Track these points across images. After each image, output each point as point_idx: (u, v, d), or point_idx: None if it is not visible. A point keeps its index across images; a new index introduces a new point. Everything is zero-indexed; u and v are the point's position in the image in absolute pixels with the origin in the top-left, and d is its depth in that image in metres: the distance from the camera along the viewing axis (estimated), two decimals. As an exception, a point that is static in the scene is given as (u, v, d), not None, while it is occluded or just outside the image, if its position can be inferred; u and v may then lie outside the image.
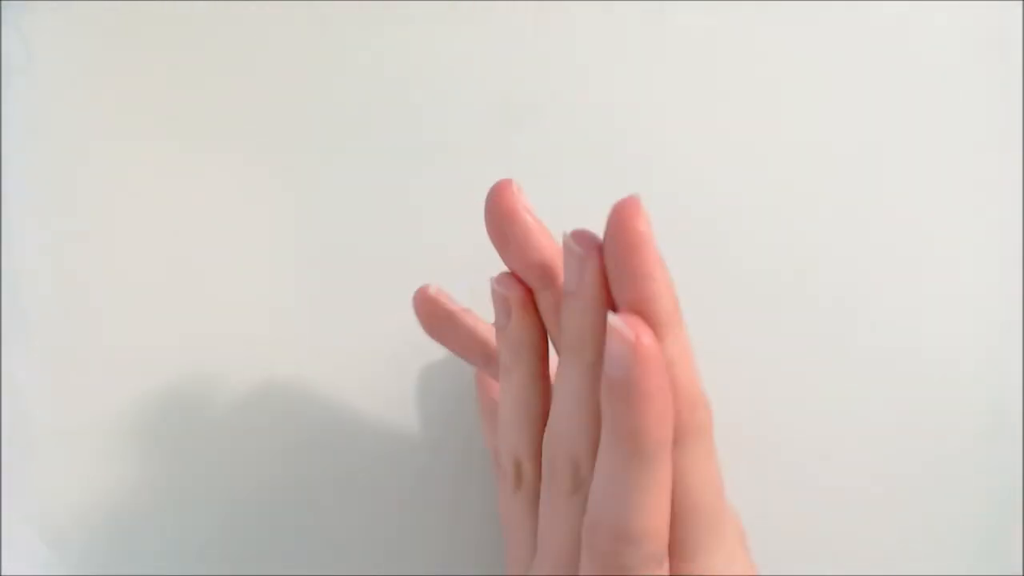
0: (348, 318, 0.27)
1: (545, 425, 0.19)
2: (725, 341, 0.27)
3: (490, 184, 0.27)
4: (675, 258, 0.27)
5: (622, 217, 0.17)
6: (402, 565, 0.26)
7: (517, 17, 0.28)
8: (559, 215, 0.27)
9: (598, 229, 0.27)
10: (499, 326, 0.21)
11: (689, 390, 0.18)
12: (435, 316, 0.23)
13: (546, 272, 0.20)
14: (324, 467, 0.27)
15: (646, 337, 0.16)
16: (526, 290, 0.20)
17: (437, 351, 0.27)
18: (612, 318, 0.17)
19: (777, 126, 0.28)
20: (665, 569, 0.18)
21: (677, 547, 0.18)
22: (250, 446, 0.27)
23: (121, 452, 0.27)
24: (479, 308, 0.26)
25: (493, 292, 0.20)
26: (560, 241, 0.19)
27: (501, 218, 0.19)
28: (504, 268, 0.21)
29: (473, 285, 0.27)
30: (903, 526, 0.26)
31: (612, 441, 0.17)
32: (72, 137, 0.28)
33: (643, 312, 0.17)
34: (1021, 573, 0.26)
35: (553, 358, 0.21)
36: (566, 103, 0.28)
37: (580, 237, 0.18)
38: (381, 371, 0.27)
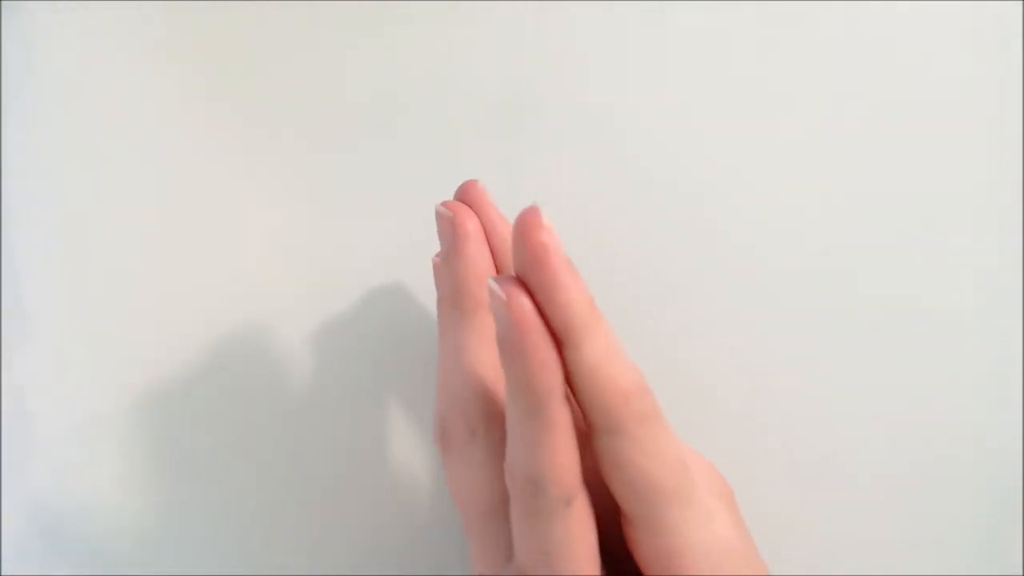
0: (349, 318, 0.27)
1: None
2: (724, 339, 0.27)
3: (490, 184, 0.27)
4: (675, 256, 0.27)
5: (524, 231, 0.18)
6: (403, 564, 0.26)
7: (517, 17, 0.28)
8: (559, 214, 0.27)
9: (597, 227, 0.27)
10: (442, 256, 0.22)
11: (618, 385, 0.19)
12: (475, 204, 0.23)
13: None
14: (327, 466, 0.27)
15: (518, 296, 0.17)
16: (477, 222, 0.21)
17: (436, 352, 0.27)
18: (489, 282, 0.18)
19: (777, 125, 0.28)
20: (575, 509, 0.19)
21: (644, 524, 0.19)
22: (251, 445, 0.27)
23: (121, 452, 0.27)
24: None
25: (439, 216, 0.21)
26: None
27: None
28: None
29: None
30: (903, 526, 0.26)
31: (509, 394, 0.18)
32: (72, 137, 0.28)
33: (557, 319, 0.18)
34: (1021, 573, 0.26)
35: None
36: (566, 103, 0.28)
37: (449, 204, 0.21)
38: (384, 371, 0.27)
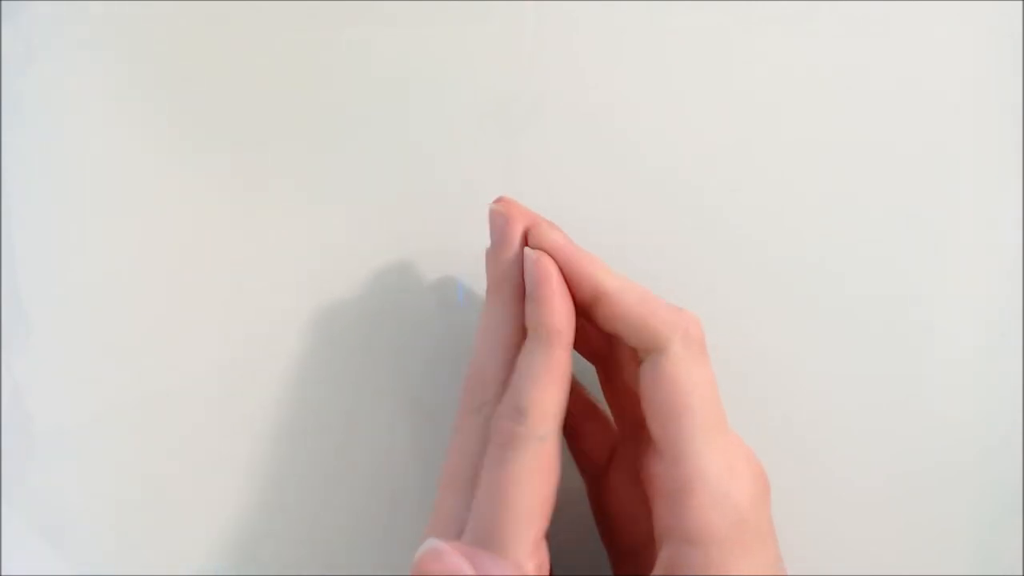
0: (349, 318, 0.27)
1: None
2: (723, 339, 0.27)
3: (490, 185, 0.27)
4: (675, 256, 0.27)
5: (535, 238, 0.22)
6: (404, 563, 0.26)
7: (517, 17, 0.28)
8: (559, 215, 0.27)
9: (596, 227, 0.27)
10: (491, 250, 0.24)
11: (666, 311, 0.22)
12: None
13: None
14: (327, 465, 0.27)
15: (544, 259, 0.22)
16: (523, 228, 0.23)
17: (440, 354, 0.27)
18: (527, 250, 0.22)
19: (777, 125, 0.28)
20: (546, 446, 0.20)
21: (669, 451, 0.20)
22: (251, 444, 0.27)
23: (121, 451, 0.27)
24: (478, 305, 0.26)
25: (492, 213, 0.23)
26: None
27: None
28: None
29: (474, 286, 0.27)
30: (903, 526, 0.26)
31: (526, 341, 0.21)
32: (72, 137, 0.28)
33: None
34: (1021, 573, 0.26)
35: None
36: (566, 103, 0.28)
37: (503, 202, 0.23)
38: (385, 374, 0.27)
